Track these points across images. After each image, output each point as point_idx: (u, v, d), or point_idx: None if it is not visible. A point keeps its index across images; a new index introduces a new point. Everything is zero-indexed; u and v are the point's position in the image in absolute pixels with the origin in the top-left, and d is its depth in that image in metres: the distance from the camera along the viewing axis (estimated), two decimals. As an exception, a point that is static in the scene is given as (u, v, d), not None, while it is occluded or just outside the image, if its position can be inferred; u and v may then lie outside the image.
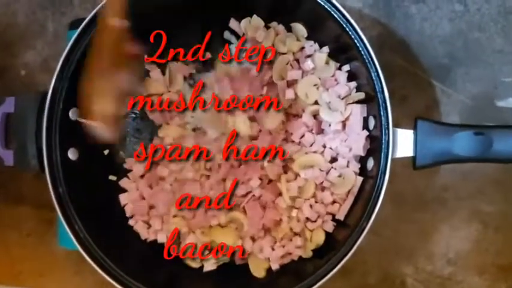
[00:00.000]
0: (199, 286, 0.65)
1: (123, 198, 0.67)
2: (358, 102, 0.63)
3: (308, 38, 0.66)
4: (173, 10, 0.62)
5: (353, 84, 0.64)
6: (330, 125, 0.64)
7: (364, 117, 0.62)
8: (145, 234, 0.66)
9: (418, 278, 0.71)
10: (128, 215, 0.67)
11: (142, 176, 0.68)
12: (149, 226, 0.67)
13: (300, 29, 0.66)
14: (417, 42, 0.70)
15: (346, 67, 0.64)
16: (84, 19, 0.59)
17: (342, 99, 0.63)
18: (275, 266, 0.63)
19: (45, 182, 0.59)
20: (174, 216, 0.66)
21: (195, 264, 0.66)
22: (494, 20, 0.70)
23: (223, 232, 0.65)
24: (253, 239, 0.64)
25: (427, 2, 0.71)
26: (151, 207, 0.67)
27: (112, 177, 0.68)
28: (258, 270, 0.64)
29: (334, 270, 0.56)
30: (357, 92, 0.63)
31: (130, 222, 0.67)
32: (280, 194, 0.64)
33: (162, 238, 0.66)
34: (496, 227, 0.70)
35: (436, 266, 0.71)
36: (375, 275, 0.71)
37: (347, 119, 0.63)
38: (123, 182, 0.68)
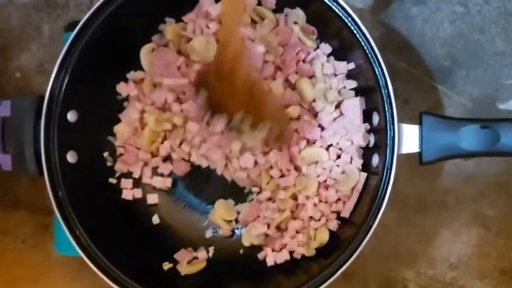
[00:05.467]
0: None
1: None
2: (357, 95, 0.63)
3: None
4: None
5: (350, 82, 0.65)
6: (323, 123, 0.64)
7: (368, 113, 0.62)
8: (128, 194, 0.67)
9: (420, 282, 0.70)
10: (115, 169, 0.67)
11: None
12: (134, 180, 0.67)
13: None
14: (418, 44, 0.70)
15: (351, 65, 0.64)
16: (80, 21, 0.59)
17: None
18: (271, 262, 0.63)
19: (42, 186, 0.58)
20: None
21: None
22: (495, 21, 0.70)
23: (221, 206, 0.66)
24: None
25: (427, 4, 0.70)
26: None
27: (112, 180, 0.67)
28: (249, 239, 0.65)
29: (342, 270, 0.55)
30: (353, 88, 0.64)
31: (116, 167, 0.67)
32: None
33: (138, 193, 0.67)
34: (498, 230, 0.70)
35: (437, 271, 0.70)
36: (376, 279, 0.71)
37: (343, 112, 0.63)
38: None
